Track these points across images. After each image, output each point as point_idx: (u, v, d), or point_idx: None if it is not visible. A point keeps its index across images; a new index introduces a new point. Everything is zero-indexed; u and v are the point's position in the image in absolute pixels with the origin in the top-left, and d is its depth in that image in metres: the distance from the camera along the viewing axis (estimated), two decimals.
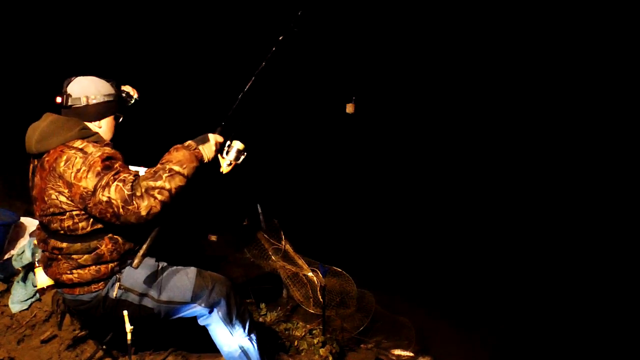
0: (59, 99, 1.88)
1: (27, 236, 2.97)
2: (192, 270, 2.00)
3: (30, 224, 3.01)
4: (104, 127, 1.94)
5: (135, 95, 2.29)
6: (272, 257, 3.30)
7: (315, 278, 3.20)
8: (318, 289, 3.17)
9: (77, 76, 1.92)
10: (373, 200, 6.61)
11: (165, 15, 7.78)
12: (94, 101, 1.88)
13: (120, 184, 1.63)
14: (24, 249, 2.77)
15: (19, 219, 2.98)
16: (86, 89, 1.88)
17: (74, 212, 1.75)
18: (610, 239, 5.37)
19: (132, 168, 1.90)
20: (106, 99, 1.92)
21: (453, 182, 7.00)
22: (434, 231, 5.66)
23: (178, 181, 1.68)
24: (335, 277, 3.33)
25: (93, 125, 1.91)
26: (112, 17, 7.44)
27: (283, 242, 3.31)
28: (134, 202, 1.61)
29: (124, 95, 2.22)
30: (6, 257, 2.84)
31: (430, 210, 6.35)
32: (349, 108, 2.92)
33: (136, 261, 1.79)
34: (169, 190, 1.65)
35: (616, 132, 7.13)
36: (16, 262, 2.75)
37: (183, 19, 7.89)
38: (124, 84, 2.29)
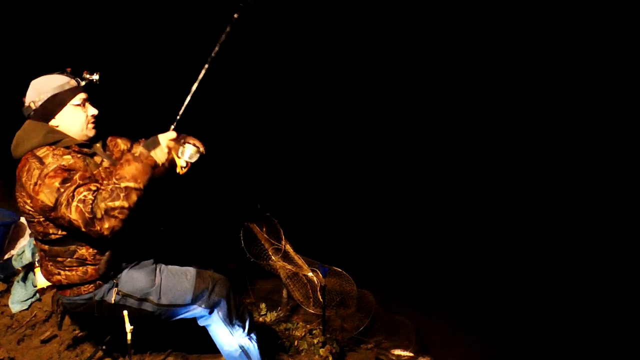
0: None
1: (27, 236, 2.98)
2: (191, 272, 1.99)
3: None
4: (63, 123, 1.85)
5: (94, 77, 2.01)
6: (272, 257, 3.29)
7: (315, 278, 3.20)
8: (318, 289, 3.17)
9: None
10: (373, 200, 6.61)
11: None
12: (40, 103, 1.81)
13: (81, 205, 1.59)
14: (24, 249, 2.78)
15: (19, 219, 2.98)
16: (30, 94, 1.83)
17: (41, 219, 1.74)
18: (609, 240, 5.37)
19: None
20: (49, 95, 1.81)
21: (453, 183, 7.00)
22: (434, 232, 5.66)
23: (135, 197, 1.65)
24: (335, 277, 3.33)
25: (54, 125, 1.85)
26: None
27: (283, 242, 3.30)
28: (96, 225, 1.59)
29: (87, 77, 1.97)
30: (6, 257, 2.85)
31: (430, 210, 6.35)
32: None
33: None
34: (128, 208, 1.63)
35: (616, 132, 7.13)
36: (16, 262, 2.75)
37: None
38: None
